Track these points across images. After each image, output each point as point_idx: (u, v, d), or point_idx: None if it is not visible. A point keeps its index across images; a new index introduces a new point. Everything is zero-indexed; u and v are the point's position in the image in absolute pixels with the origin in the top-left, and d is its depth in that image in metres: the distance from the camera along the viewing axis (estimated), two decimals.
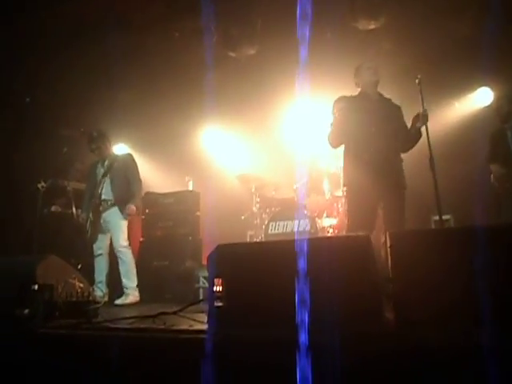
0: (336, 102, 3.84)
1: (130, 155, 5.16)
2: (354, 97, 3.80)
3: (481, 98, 5.91)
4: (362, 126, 3.57)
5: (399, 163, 3.67)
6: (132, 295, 4.68)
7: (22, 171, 5.97)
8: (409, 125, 3.73)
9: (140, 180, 5.00)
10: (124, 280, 4.73)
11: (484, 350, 1.43)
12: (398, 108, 3.81)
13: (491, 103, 5.59)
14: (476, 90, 5.95)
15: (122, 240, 4.76)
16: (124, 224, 4.81)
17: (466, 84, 5.88)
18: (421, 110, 3.59)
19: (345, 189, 3.70)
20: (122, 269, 4.75)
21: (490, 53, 4.34)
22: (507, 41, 4.86)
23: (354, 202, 3.58)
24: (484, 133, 4.86)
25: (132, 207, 4.77)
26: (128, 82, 6.14)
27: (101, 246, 4.85)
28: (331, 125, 3.75)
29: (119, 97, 6.35)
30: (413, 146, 3.74)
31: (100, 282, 4.78)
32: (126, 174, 4.90)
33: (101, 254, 4.84)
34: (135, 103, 6.53)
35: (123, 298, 4.66)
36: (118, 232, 4.77)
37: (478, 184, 4.69)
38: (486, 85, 5.83)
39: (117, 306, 4.49)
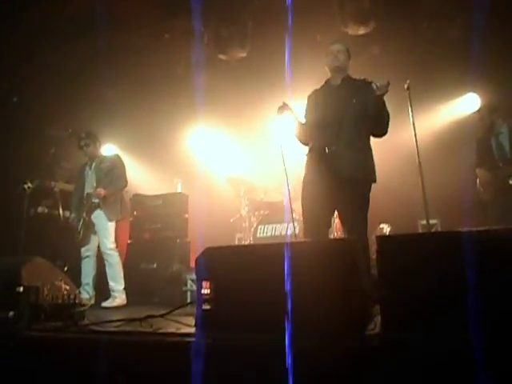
0: (307, 96, 3.66)
1: (118, 156, 5.14)
2: (320, 88, 3.60)
3: (468, 104, 5.98)
4: (316, 120, 3.41)
5: (359, 154, 3.33)
6: (119, 298, 4.65)
7: (8, 171, 5.89)
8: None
9: (125, 180, 4.97)
10: (111, 283, 4.70)
11: (472, 354, 1.44)
12: (368, 86, 3.32)
13: (473, 113, 5.66)
14: (463, 95, 6.02)
15: (108, 242, 4.73)
16: (111, 226, 4.77)
17: (453, 89, 5.95)
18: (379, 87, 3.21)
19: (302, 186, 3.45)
20: (109, 271, 4.72)
21: (478, 59, 4.39)
22: (495, 48, 4.93)
23: (305, 199, 3.38)
24: (471, 138, 4.92)
25: (99, 190, 4.72)
26: (117, 83, 6.11)
27: (89, 248, 4.82)
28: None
29: (108, 97, 6.32)
30: (382, 120, 3.36)
31: (87, 284, 4.75)
32: (113, 174, 4.87)
33: (88, 256, 4.81)
34: (124, 104, 6.49)
35: (110, 300, 4.63)
36: (105, 234, 4.74)
37: (464, 189, 4.75)
38: (473, 91, 5.91)
39: (103, 308, 4.46)
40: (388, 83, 3.21)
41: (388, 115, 3.38)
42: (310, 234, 3.31)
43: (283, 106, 3.44)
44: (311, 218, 3.33)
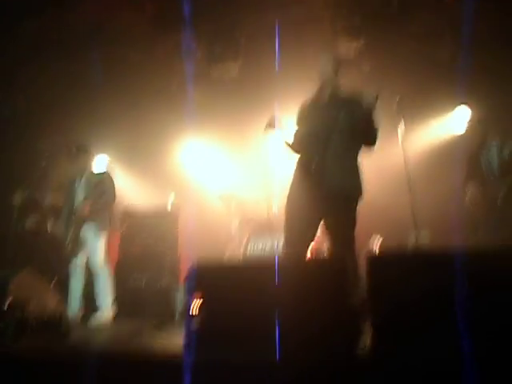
0: (299, 108, 3.58)
1: (107, 174, 5.07)
2: (309, 100, 3.53)
3: (459, 118, 6.00)
4: (303, 135, 3.36)
5: (346, 170, 3.26)
6: (107, 312, 4.59)
7: None
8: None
9: (114, 196, 4.89)
10: (99, 297, 4.64)
11: (462, 367, 1.44)
12: (357, 100, 3.31)
13: (465, 127, 5.71)
14: (454, 109, 6.05)
15: (98, 256, 4.68)
16: (100, 240, 4.73)
17: (444, 103, 6.01)
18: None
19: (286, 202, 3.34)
20: (97, 285, 4.66)
21: (468, 73, 4.45)
22: (484, 62, 5.02)
23: (290, 214, 3.28)
24: (462, 152, 4.96)
25: (85, 206, 4.66)
26: (111, 96, 6.12)
27: (78, 263, 4.76)
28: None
29: (101, 110, 6.32)
30: (370, 135, 3.30)
31: (75, 298, 4.68)
32: (103, 191, 4.83)
33: (77, 270, 4.75)
34: (117, 117, 6.49)
35: (98, 315, 4.57)
36: (95, 248, 4.69)
37: (455, 202, 4.77)
38: (464, 103, 5.95)
39: (91, 324, 4.39)
40: (377, 97, 3.18)
41: (376, 129, 3.32)
42: (289, 245, 3.23)
43: (271, 122, 3.38)
44: (293, 230, 3.24)
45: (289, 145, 3.50)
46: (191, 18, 4.72)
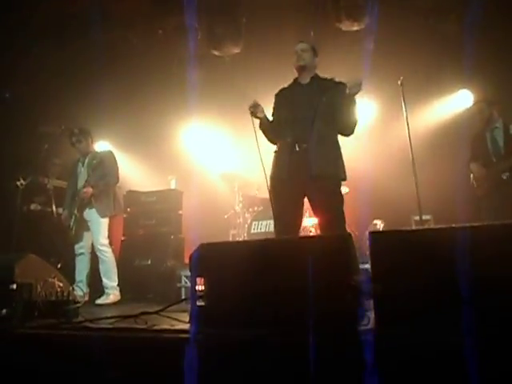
0: (275, 95, 3.65)
1: (109, 152, 5.10)
2: (288, 86, 3.61)
3: (461, 100, 6.01)
4: (286, 118, 3.40)
5: (329, 152, 3.34)
6: (113, 294, 4.65)
7: (1, 168, 5.86)
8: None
9: (116, 176, 4.92)
10: (104, 279, 4.69)
11: (466, 349, 1.45)
12: (338, 86, 3.41)
13: (470, 107, 5.69)
14: (457, 92, 6.04)
15: (101, 238, 4.71)
16: (104, 222, 4.76)
17: (447, 86, 5.97)
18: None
19: (269, 183, 3.44)
20: (102, 268, 4.71)
21: (471, 56, 4.41)
22: (488, 44, 4.96)
23: (275, 194, 3.39)
24: (465, 134, 4.94)
25: (87, 189, 4.67)
26: (110, 79, 6.09)
27: (82, 245, 4.80)
28: (260, 128, 3.55)
29: (102, 93, 6.28)
30: (351, 120, 3.37)
31: (80, 281, 4.73)
32: (104, 169, 4.83)
33: (82, 253, 4.80)
34: (118, 100, 6.46)
35: (104, 297, 4.62)
36: (98, 230, 4.72)
37: (458, 185, 4.77)
38: (466, 87, 5.93)
39: (97, 305, 4.45)
40: (361, 82, 3.23)
41: (357, 117, 3.39)
42: (282, 233, 3.32)
43: (254, 106, 3.41)
44: (283, 216, 3.35)
45: (266, 130, 3.52)
46: None
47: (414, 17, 5.32)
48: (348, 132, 3.45)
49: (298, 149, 3.29)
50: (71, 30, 5.61)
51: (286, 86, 3.63)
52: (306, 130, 3.29)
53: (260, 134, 3.57)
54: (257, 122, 3.51)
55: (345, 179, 3.41)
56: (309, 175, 3.22)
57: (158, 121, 6.76)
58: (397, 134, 4.86)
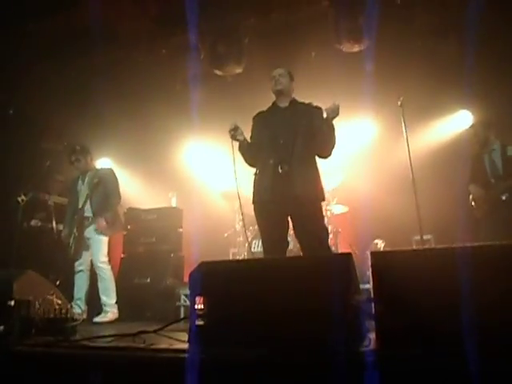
0: (253, 118, 3.74)
1: (110, 170, 5.11)
2: (266, 110, 3.68)
3: (461, 121, 6.04)
4: (267, 140, 3.46)
5: (310, 174, 3.44)
6: (111, 312, 4.61)
7: (2, 184, 5.87)
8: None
9: (118, 195, 4.92)
10: (103, 297, 4.66)
11: (469, 369, 1.44)
12: (316, 110, 3.52)
13: (467, 129, 5.73)
14: (456, 112, 6.09)
15: (101, 256, 4.70)
16: (103, 240, 4.75)
17: (447, 107, 6.02)
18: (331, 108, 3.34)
19: (253, 206, 3.53)
20: (100, 285, 4.69)
21: (470, 76, 4.46)
22: (486, 65, 5.01)
23: (261, 218, 3.47)
24: (465, 155, 4.96)
25: (100, 222, 4.68)
26: (113, 96, 6.14)
27: (82, 263, 4.78)
28: (238, 151, 3.63)
29: (104, 111, 6.34)
30: (330, 143, 3.46)
31: (79, 298, 4.70)
32: (105, 189, 4.84)
33: (81, 271, 4.77)
34: (119, 117, 6.51)
35: (102, 315, 4.58)
36: (98, 248, 4.71)
37: (458, 205, 4.78)
38: (465, 108, 5.98)
39: (96, 323, 4.41)
40: (338, 107, 3.32)
41: (335, 140, 3.47)
42: (269, 250, 3.40)
43: (235, 129, 3.49)
44: (270, 238, 3.42)
45: (245, 152, 3.59)
46: (195, 18, 4.74)
47: (413, 38, 5.39)
48: (326, 154, 3.55)
49: (280, 171, 3.35)
50: (75, 48, 5.68)
51: (264, 109, 3.70)
52: (288, 152, 3.37)
53: (238, 156, 3.63)
54: (236, 144, 3.57)
55: (324, 200, 3.50)
56: (292, 196, 3.29)
57: (159, 138, 6.80)
58: (397, 153, 4.88)
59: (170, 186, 6.79)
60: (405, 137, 4.06)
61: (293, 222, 3.43)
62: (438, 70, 5.45)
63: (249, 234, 5.82)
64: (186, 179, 6.91)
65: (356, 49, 5.29)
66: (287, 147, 3.38)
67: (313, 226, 3.34)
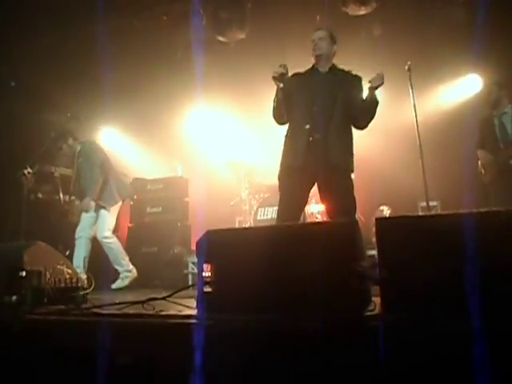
0: (289, 78, 3.45)
1: (89, 143, 5.06)
2: (303, 73, 3.53)
3: (470, 85, 5.93)
4: (303, 105, 3.36)
5: (347, 144, 3.39)
6: (127, 277, 4.71)
7: (7, 157, 5.89)
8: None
9: (100, 169, 4.84)
10: (116, 267, 4.75)
11: (471, 335, 1.45)
12: (356, 79, 3.45)
13: (480, 90, 5.62)
14: (465, 76, 5.96)
15: (103, 230, 4.75)
16: (104, 214, 4.78)
17: (455, 70, 5.89)
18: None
19: (279, 169, 3.45)
20: (110, 257, 4.77)
21: (480, 40, 4.34)
22: (497, 28, 4.87)
23: (286, 182, 3.39)
24: (473, 120, 4.89)
25: (85, 201, 4.72)
26: (115, 65, 6.05)
27: (80, 230, 4.79)
28: (274, 100, 3.45)
29: (107, 80, 6.27)
30: (369, 115, 3.38)
31: (77, 267, 4.50)
32: (88, 165, 4.85)
33: (80, 237, 4.78)
34: (123, 87, 6.44)
35: (119, 281, 4.69)
36: (101, 222, 4.76)
37: (465, 171, 4.73)
38: (474, 72, 5.85)
39: (112, 290, 4.51)
40: (382, 75, 3.22)
41: (375, 112, 3.37)
42: (285, 215, 3.33)
43: (285, 72, 3.27)
44: (289, 203, 3.35)
45: (281, 104, 3.40)
46: None
47: (422, 1, 5.24)
48: (363, 126, 3.47)
49: (315, 137, 3.27)
50: (76, 18, 5.59)
51: (301, 71, 3.55)
52: (325, 119, 3.28)
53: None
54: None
55: (353, 171, 3.45)
56: (325, 165, 3.21)
57: (163, 107, 6.75)
58: (404, 119, 4.82)
59: (175, 156, 6.78)
60: (412, 102, 3.99)
61: (321, 190, 3.39)
62: (446, 33, 5.32)
63: (254, 202, 5.85)
64: (191, 148, 6.90)
65: (362, 11, 5.17)
66: (325, 114, 3.28)
67: (344, 196, 3.29)
